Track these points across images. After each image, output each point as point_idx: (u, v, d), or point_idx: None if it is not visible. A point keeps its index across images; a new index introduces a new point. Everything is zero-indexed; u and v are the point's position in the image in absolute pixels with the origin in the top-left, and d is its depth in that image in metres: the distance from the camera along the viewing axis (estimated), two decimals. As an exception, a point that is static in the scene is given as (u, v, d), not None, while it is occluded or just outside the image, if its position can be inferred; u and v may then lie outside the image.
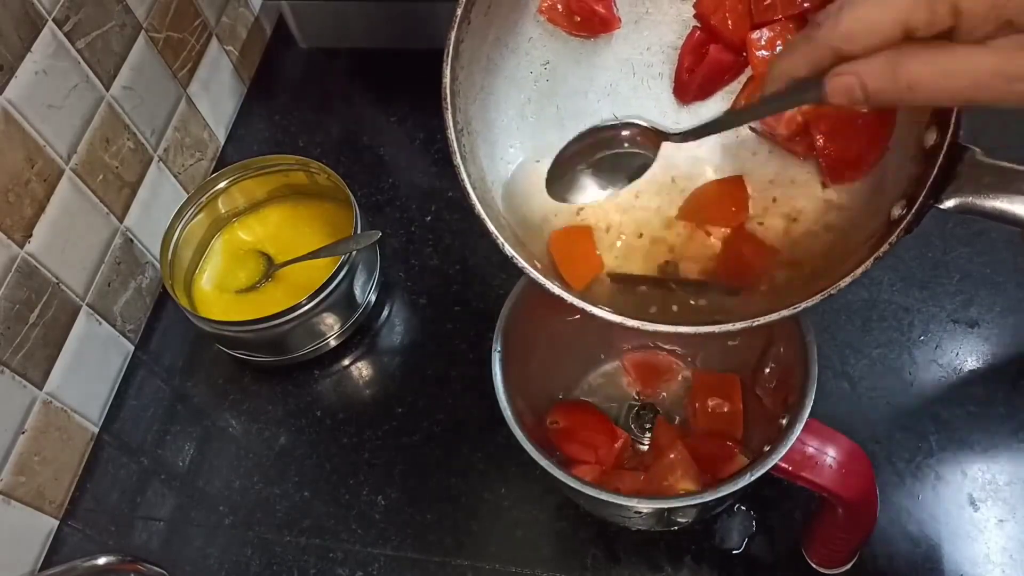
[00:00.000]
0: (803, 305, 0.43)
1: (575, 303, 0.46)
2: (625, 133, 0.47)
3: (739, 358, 0.61)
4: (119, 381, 0.76)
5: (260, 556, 0.66)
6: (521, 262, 0.46)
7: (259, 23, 0.95)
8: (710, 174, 0.49)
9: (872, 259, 0.42)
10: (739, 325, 0.45)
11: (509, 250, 0.46)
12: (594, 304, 0.46)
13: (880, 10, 0.34)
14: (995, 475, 0.62)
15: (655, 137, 0.47)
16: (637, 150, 0.47)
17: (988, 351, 0.67)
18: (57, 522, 0.69)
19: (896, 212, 0.43)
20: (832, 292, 0.43)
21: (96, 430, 0.73)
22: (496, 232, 0.46)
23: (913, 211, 0.42)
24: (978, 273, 0.71)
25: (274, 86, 0.94)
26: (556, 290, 0.46)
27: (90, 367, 0.72)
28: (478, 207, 0.46)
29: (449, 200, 0.82)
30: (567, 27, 0.49)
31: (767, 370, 0.59)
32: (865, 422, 0.65)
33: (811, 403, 0.49)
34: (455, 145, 0.48)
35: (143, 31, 0.75)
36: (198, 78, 0.84)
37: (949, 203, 0.41)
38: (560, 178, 0.48)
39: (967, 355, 0.67)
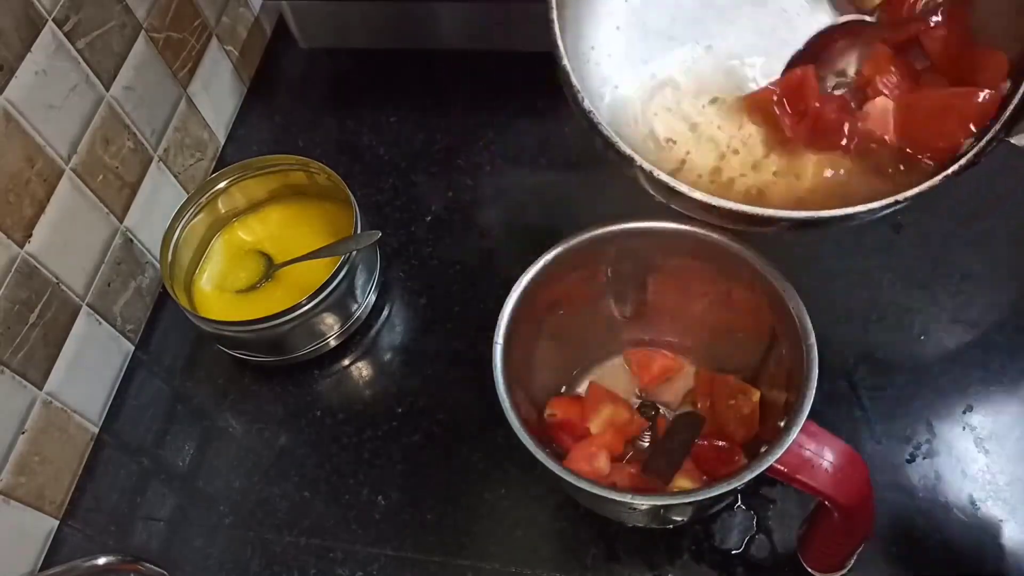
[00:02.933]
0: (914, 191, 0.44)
1: (663, 178, 0.46)
2: None
3: (741, 360, 0.61)
4: (119, 381, 0.76)
5: (260, 556, 0.66)
6: (597, 117, 0.46)
7: (259, 23, 0.95)
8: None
9: (942, 175, 0.44)
10: (848, 210, 0.45)
11: (587, 104, 0.47)
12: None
13: None
14: (995, 475, 0.62)
15: None
16: None
17: (988, 351, 0.67)
18: (57, 522, 0.69)
19: (967, 143, 0.45)
20: (926, 187, 0.44)
21: (96, 430, 0.73)
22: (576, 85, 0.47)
23: (985, 141, 0.44)
24: (978, 273, 0.71)
25: (274, 86, 0.94)
26: (643, 163, 0.46)
27: (90, 367, 0.72)
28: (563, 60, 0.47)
29: (449, 200, 0.82)
30: None
31: (769, 372, 0.59)
32: (864, 422, 0.65)
33: (809, 405, 0.49)
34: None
35: (143, 31, 0.75)
36: (198, 78, 0.84)
37: (1019, 139, 0.44)
38: None
39: (967, 355, 0.67)
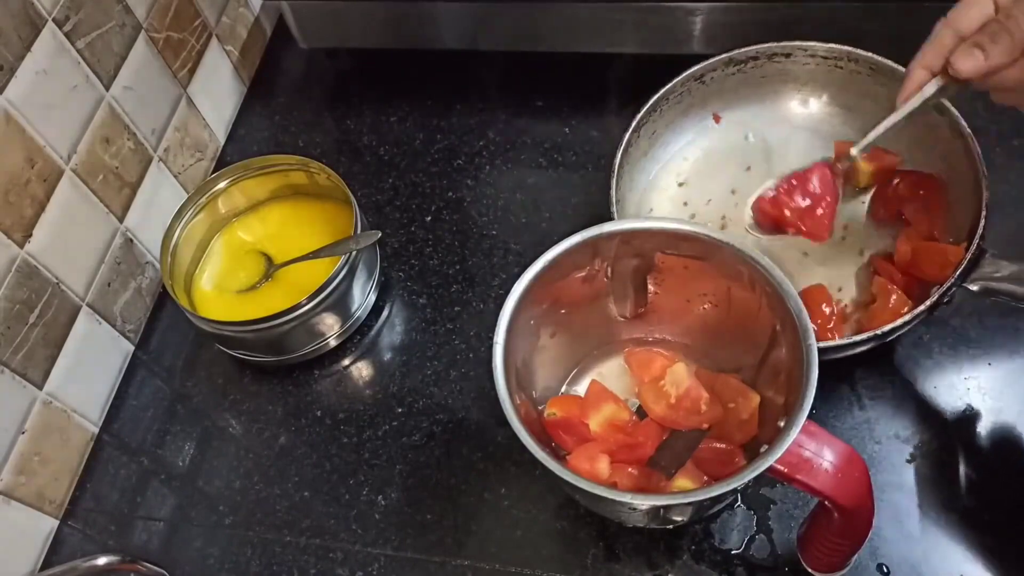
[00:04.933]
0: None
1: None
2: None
3: (741, 360, 0.61)
4: (119, 381, 0.76)
5: (260, 556, 0.66)
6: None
7: (259, 23, 0.95)
8: None
9: (911, 313, 0.59)
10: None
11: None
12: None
13: None
14: (995, 476, 0.62)
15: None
16: None
17: (988, 352, 0.67)
18: (57, 522, 0.69)
19: (934, 291, 0.59)
20: (878, 332, 0.59)
21: (96, 430, 0.73)
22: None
23: (945, 288, 0.58)
24: (978, 273, 0.71)
25: (274, 86, 0.94)
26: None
27: (90, 367, 0.72)
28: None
29: (449, 200, 0.82)
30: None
31: (769, 372, 0.59)
32: (865, 423, 0.65)
33: (809, 405, 0.49)
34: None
35: (143, 31, 0.75)
36: (198, 78, 0.84)
37: (974, 286, 0.59)
38: None
39: (968, 357, 0.67)
